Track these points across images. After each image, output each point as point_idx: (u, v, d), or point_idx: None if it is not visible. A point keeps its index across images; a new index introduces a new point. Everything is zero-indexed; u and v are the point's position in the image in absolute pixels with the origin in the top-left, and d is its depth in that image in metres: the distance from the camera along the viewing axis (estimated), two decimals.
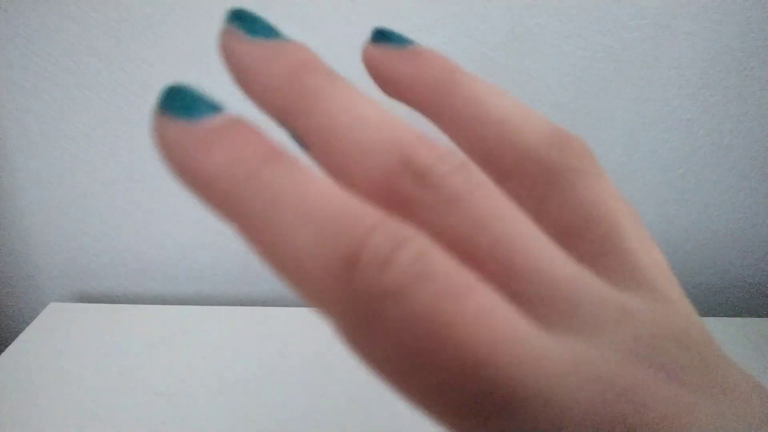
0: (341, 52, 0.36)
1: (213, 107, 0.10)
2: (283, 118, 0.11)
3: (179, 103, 0.10)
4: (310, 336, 0.39)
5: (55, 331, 0.38)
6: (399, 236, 0.09)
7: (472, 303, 0.08)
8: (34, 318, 0.40)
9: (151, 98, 0.37)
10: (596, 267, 0.10)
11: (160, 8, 0.35)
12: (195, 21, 0.35)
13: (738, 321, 0.42)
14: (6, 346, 0.37)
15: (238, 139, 0.10)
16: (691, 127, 0.40)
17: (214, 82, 0.37)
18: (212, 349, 0.37)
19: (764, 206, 0.44)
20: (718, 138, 0.41)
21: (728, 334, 0.40)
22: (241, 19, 0.12)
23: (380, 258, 0.08)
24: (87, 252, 0.44)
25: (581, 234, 0.11)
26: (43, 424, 0.30)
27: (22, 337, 0.38)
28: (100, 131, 0.39)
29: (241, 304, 0.46)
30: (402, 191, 0.10)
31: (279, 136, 0.11)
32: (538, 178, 0.11)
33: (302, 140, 0.11)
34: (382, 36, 0.13)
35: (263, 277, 0.45)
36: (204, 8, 0.35)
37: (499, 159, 0.12)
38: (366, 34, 0.35)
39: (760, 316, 0.48)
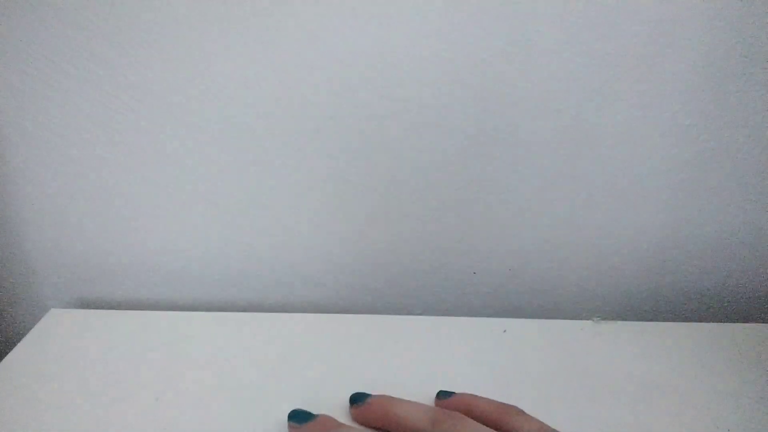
0: (340, 60, 0.36)
1: (310, 416, 0.29)
2: None
3: (293, 417, 0.29)
4: (311, 342, 0.39)
5: (55, 337, 0.38)
6: None
7: None
8: (35, 324, 0.40)
9: (152, 103, 0.38)
10: None
11: (161, 14, 0.35)
12: (196, 27, 0.35)
13: (738, 327, 0.42)
14: (7, 353, 0.37)
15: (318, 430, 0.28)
16: (691, 133, 0.40)
17: (214, 86, 0.37)
18: (213, 355, 0.37)
19: (764, 212, 0.44)
20: (717, 143, 0.41)
21: (729, 340, 0.40)
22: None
23: None
24: (88, 258, 0.44)
25: None
26: (43, 430, 0.30)
27: (22, 343, 0.38)
28: (100, 136, 0.39)
29: (243, 310, 0.46)
30: None
31: None
32: None
33: None
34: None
35: (264, 283, 0.46)
36: (205, 14, 0.35)
37: None
38: (366, 41, 0.36)
39: (762, 322, 0.48)
